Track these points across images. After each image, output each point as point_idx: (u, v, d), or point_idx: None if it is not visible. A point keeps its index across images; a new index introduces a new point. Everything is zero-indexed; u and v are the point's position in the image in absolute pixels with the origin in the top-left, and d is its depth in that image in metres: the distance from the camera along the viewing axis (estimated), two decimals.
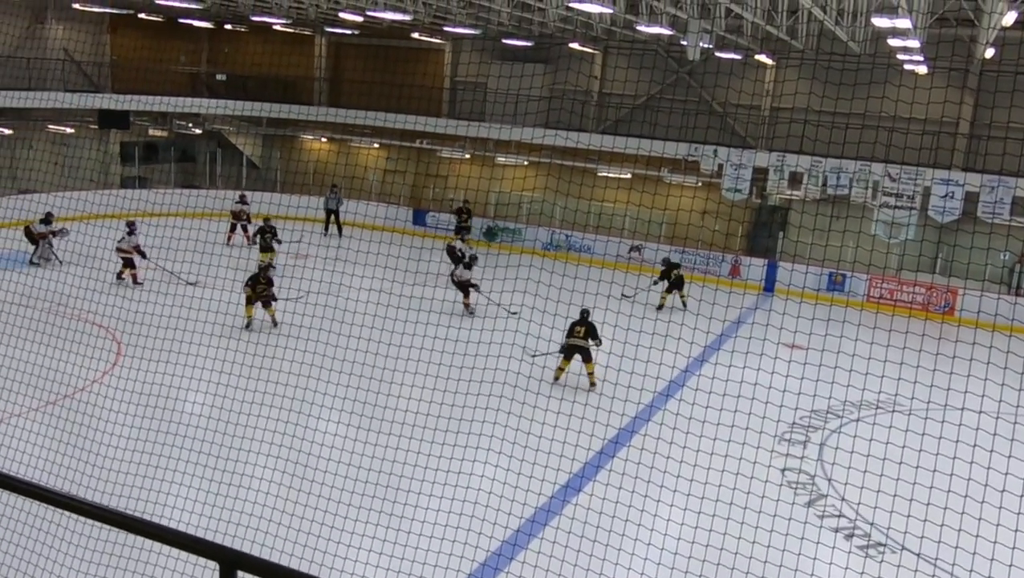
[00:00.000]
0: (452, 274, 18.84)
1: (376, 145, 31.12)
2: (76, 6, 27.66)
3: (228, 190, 29.64)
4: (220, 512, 8.93)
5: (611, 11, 18.98)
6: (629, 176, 26.42)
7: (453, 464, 9.70)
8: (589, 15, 22.02)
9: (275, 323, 16.76)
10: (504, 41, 26.95)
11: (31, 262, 21.09)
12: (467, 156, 29.50)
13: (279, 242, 21.59)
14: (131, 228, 20.19)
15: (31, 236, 21.32)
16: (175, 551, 2.61)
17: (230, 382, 11.54)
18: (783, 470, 12.13)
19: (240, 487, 9.81)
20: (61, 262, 21.15)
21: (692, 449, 9.06)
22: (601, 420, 10.03)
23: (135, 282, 19.72)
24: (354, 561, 7.95)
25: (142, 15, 29.34)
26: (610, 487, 9.68)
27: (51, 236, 21.21)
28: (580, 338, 14.42)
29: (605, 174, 26.61)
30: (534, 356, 14.36)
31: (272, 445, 10.32)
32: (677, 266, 21.32)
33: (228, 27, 31.83)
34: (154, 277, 19.74)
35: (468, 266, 18.62)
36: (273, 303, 16.71)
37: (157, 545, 2.64)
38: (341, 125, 30.67)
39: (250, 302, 16.62)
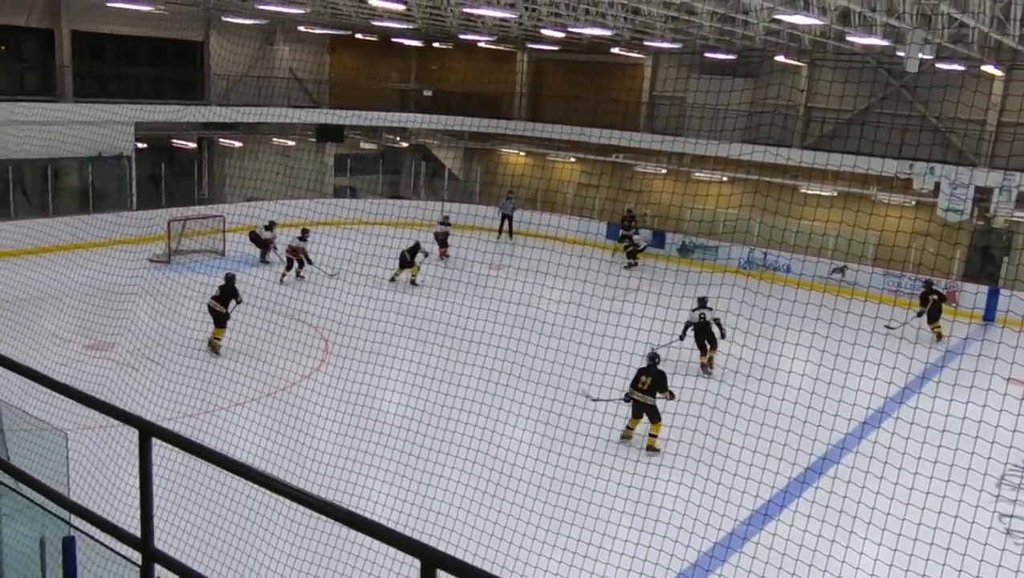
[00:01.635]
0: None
1: (572, 159, 31.41)
2: (301, 28, 29.83)
3: (431, 201, 30.89)
4: (411, 509, 9.26)
5: (821, 23, 18.20)
6: (835, 194, 25.19)
7: (646, 482, 9.55)
8: (797, 27, 21.22)
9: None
10: (706, 55, 26.48)
11: (263, 261, 22.87)
12: (663, 171, 29.19)
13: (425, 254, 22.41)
14: (303, 235, 21.65)
15: (257, 240, 23.11)
16: (370, 543, 2.67)
17: (426, 385, 11.99)
18: (1008, 517, 11.09)
19: (434, 487, 10.14)
20: (268, 263, 22.80)
21: (898, 484, 8.46)
22: (800, 446, 9.57)
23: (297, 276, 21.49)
24: (544, 570, 8.00)
25: (359, 35, 31.20)
26: (800, 516, 9.21)
27: (273, 240, 22.84)
28: (646, 391, 12.27)
29: (808, 191, 25.50)
30: (595, 400, 12.51)
31: (466, 449, 10.58)
32: (936, 293, 19.88)
33: (436, 45, 33.23)
34: (358, 281, 20.81)
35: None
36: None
37: (353, 535, 2.72)
38: (539, 139, 31.21)
39: None
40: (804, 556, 8.13)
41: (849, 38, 19.61)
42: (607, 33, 23.24)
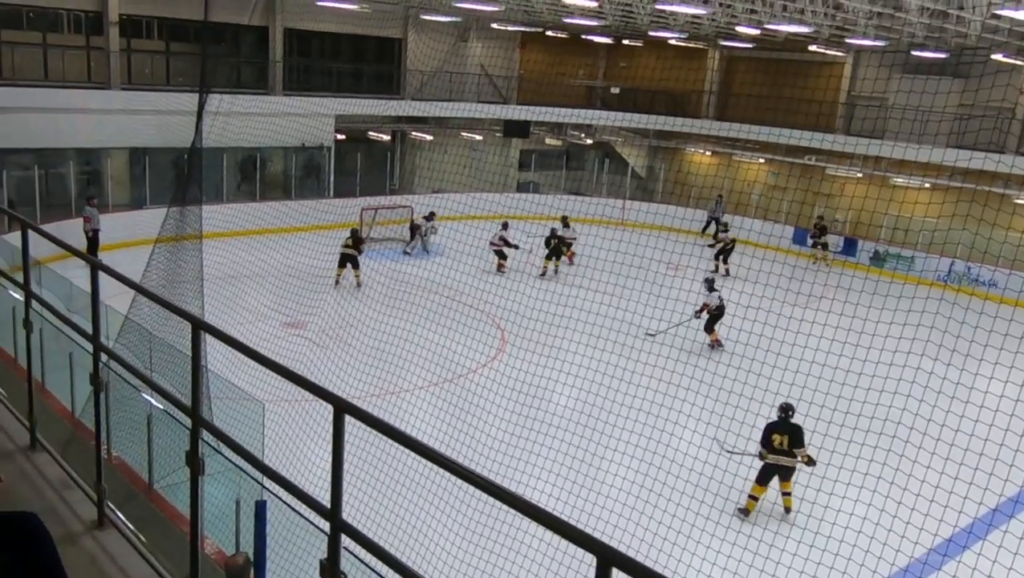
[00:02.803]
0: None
1: (761, 160, 30.40)
2: (494, 25, 30.50)
3: (611, 199, 30.82)
4: (581, 502, 9.27)
5: None
6: None
7: (832, 501, 9.13)
8: (1020, 23, 19.51)
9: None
10: (913, 53, 24.87)
11: (404, 252, 23.60)
12: (859, 175, 27.71)
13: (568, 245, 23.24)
14: (504, 226, 22.36)
15: (413, 230, 23.99)
16: (541, 534, 2.65)
17: (597, 380, 11.98)
18: None
19: (599, 482, 10.12)
20: (428, 252, 23.39)
21: None
22: (999, 473, 8.83)
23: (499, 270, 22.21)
24: (697, 570, 7.82)
25: (549, 32, 31.54)
26: (1001, 549, 8.50)
27: (423, 230, 23.57)
28: (782, 451, 10.47)
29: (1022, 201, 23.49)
30: (731, 452, 11.33)
31: (634, 446, 10.49)
32: None
33: (626, 42, 33.06)
34: (531, 272, 21.04)
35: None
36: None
37: (523, 524, 2.72)
38: (726, 139, 30.42)
39: None
40: None
41: None
42: (806, 30, 22.31)
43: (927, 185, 25.24)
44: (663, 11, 23.47)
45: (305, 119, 25.66)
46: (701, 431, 11.96)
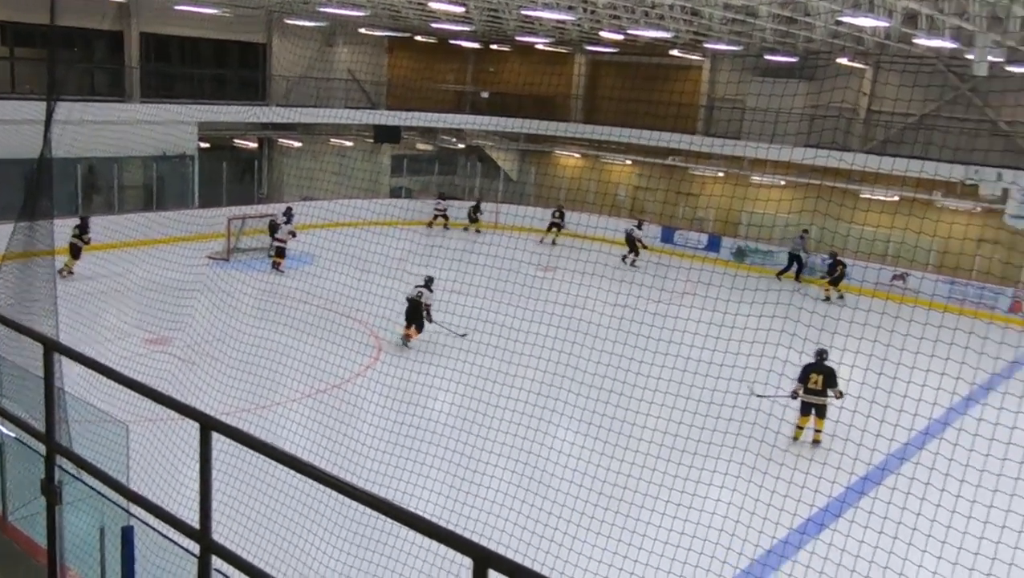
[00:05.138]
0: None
1: (628, 162, 31.26)
2: (361, 31, 30.19)
3: (484, 202, 31.02)
4: (461, 507, 9.30)
5: (887, 24, 17.83)
6: (896, 199, 24.67)
7: (699, 488, 9.47)
8: (861, 29, 20.82)
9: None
10: (766, 57, 26.13)
11: (271, 260, 22.99)
12: (720, 174, 28.89)
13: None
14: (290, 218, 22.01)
15: (272, 228, 23.31)
16: (417, 540, 2.68)
17: (476, 384, 12.04)
18: None
19: (480, 486, 10.17)
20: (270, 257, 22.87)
21: (966, 498, 8.25)
22: (861, 457, 9.40)
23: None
24: (587, 572, 7.98)
25: (418, 37, 31.48)
26: (856, 526, 9.04)
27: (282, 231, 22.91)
28: (817, 389, 12.39)
29: (869, 196, 25.01)
30: (761, 396, 12.81)
31: (513, 449, 10.60)
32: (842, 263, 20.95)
33: (493, 47, 33.35)
34: (409, 280, 20.97)
35: (430, 288, 16.59)
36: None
37: (403, 532, 2.74)
38: (594, 141, 31.13)
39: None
40: (860, 567, 7.97)
41: (915, 40, 19.18)
42: (666, 35, 23.08)
43: (782, 182, 26.54)
44: (529, 17, 23.82)
45: (165, 127, 24.71)
46: (576, 429, 12.20)
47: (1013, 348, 19.35)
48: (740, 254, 27.17)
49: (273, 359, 13.67)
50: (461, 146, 33.25)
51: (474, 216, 29.87)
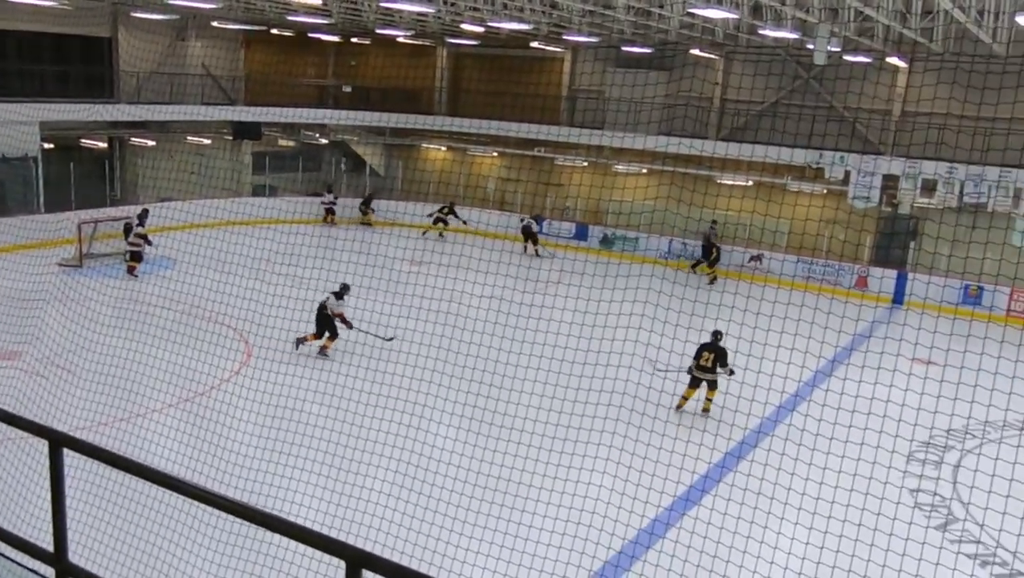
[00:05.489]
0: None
1: (494, 154, 31.46)
2: (215, 24, 29.14)
3: (351, 198, 30.59)
4: (340, 510, 9.17)
5: (734, 16, 18.61)
6: (750, 184, 25.82)
7: (569, 473, 9.66)
8: (711, 21, 21.65)
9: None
10: (624, 48, 26.80)
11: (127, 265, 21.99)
12: (584, 164, 29.48)
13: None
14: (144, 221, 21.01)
15: (127, 230, 22.29)
16: (299, 547, 2.67)
17: (351, 385, 11.88)
18: (914, 491, 11.56)
19: (359, 487, 10.06)
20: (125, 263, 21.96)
21: (815, 465, 8.74)
22: (721, 433, 9.80)
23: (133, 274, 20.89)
24: (472, 566, 8.02)
25: (274, 31, 30.64)
26: (728, 501, 9.45)
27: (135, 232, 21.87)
28: (707, 366, 13.40)
29: (725, 182, 26.08)
30: (664, 371, 13.37)
31: (390, 447, 10.53)
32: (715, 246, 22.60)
33: (354, 40, 32.85)
34: (277, 281, 20.51)
35: (340, 296, 15.85)
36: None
37: (282, 540, 2.71)
38: (460, 134, 31.17)
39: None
40: (726, 539, 8.33)
41: (761, 31, 20.09)
42: (525, 27, 23.33)
43: (644, 171, 27.33)
44: (389, 9, 23.59)
45: (4, 127, 23.15)
46: (456, 424, 12.23)
47: (863, 322, 20.64)
48: (607, 242, 27.82)
49: (133, 369, 13.09)
50: (325, 141, 32.64)
51: (365, 211, 29.45)
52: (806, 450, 8.84)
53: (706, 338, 13.64)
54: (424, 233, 27.58)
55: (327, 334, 15.64)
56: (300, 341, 15.64)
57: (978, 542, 10.36)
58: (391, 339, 15.55)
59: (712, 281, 24.40)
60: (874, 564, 7.89)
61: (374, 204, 29.76)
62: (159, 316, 16.09)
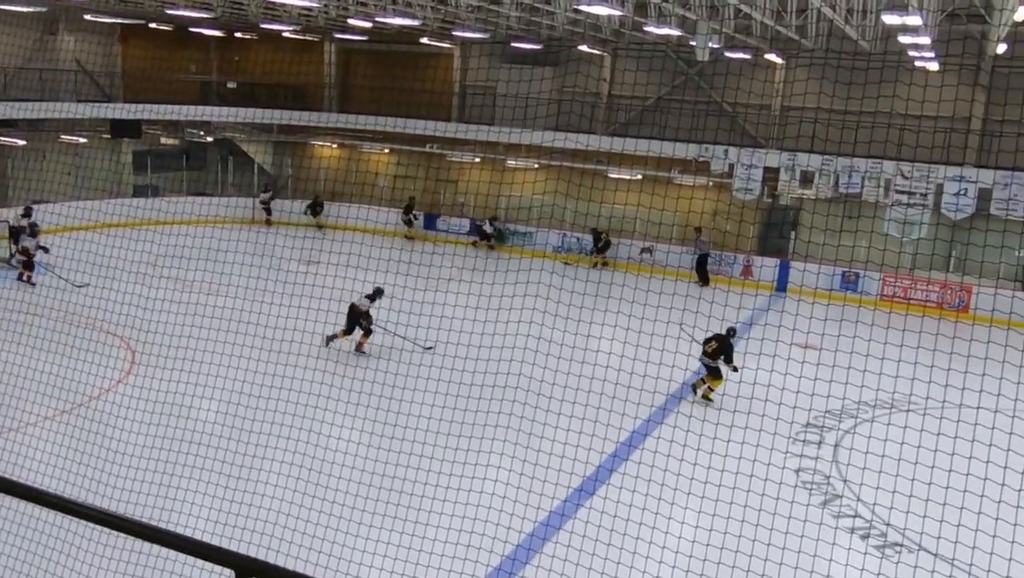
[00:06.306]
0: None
1: (386, 150, 31.17)
2: (87, 17, 27.85)
3: (240, 197, 29.81)
4: (235, 518, 8.96)
5: (619, 13, 18.95)
6: (640, 178, 26.39)
7: (466, 469, 9.69)
8: (597, 17, 22.00)
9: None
10: (512, 44, 26.96)
11: (10, 266, 20.99)
12: (477, 160, 29.54)
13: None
14: (31, 219, 20.11)
15: (14, 233, 21.26)
16: (192, 558, 2.61)
17: (242, 389, 11.60)
18: (797, 470, 12.07)
19: (253, 493, 9.84)
20: (12, 266, 20.99)
21: (705, 451, 9.02)
22: (614, 423, 10.00)
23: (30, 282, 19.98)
24: (368, 566, 7.96)
25: (152, 25, 29.51)
26: (623, 490, 9.65)
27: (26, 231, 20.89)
28: (709, 353, 14.28)
29: (615, 176, 26.58)
30: (691, 335, 13.96)
31: (284, 452, 10.34)
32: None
33: (238, 35, 31.96)
34: (162, 285, 19.83)
35: (372, 299, 15.83)
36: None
37: (173, 553, 2.65)
38: (351, 131, 30.75)
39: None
40: (619, 527, 8.50)
41: (646, 28, 20.53)
42: (414, 23, 23.18)
43: (535, 166, 27.58)
44: (273, 3, 23.06)
45: None
46: (351, 425, 12.09)
47: (749, 310, 21.39)
48: (500, 237, 27.96)
49: (5, 381, 12.42)
50: (210, 139, 31.64)
51: (316, 212, 28.83)
52: (695, 437, 9.11)
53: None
54: (320, 227, 27.47)
55: (361, 333, 15.67)
56: (331, 338, 15.50)
57: (856, 516, 10.90)
58: (431, 348, 14.97)
59: (598, 265, 25.38)
60: (760, 543, 8.20)
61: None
62: (33, 324, 15.31)
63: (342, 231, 26.61)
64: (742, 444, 8.73)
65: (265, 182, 30.36)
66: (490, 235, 27.69)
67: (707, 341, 14.38)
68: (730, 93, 26.55)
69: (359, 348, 15.78)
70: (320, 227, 28.40)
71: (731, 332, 14.36)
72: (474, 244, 27.66)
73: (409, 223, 28.48)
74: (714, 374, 14.35)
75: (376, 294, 15.85)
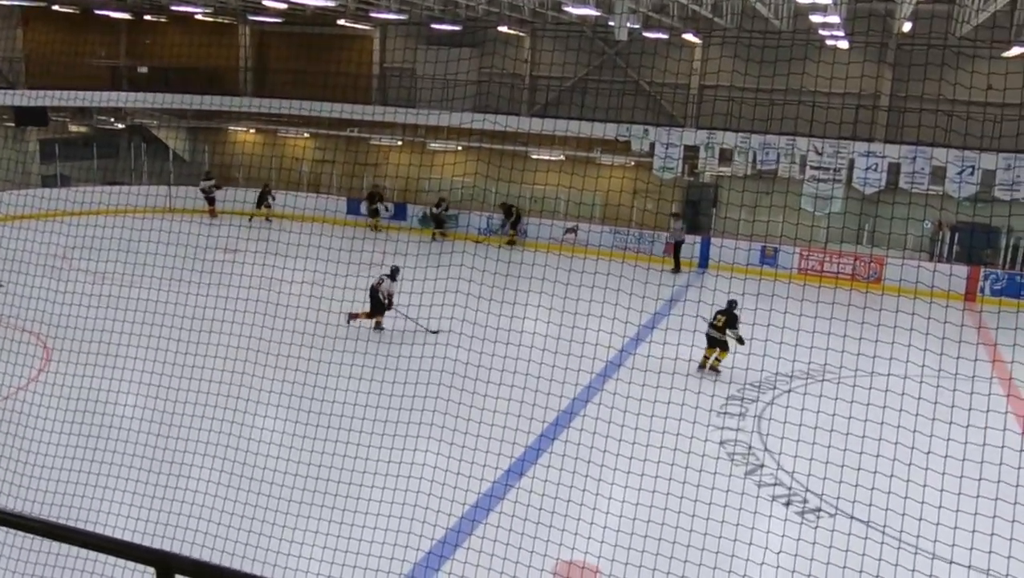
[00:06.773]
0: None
1: (306, 135, 30.66)
2: None
3: (154, 185, 28.98)
4: (159, 515, 8.79)
5: None
6: (562, 158, 26.53)
7: (394, 454, 9.67)
8: None
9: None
10: (432, 26, 26.74)
11: None
12: (399, 143, 29.27)
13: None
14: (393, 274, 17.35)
15: None
16: (114, 558, 2.56)
17: (162, 383, 11.34)
18: (721, 443, 12.37)
19: (178, 489, 9.67)
20: None
21: (632, 428, 9.17)
22: (540, 403, 10.09)
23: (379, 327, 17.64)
24: (298, 557, 7.90)
25: (56, 7, 28.35)
26: (552, 469, 9.76)
27: None
28: (718, 326, 14.93)
29: (538, 157, 26.68)
30: (435, 332, 13.90)
31: (209, 445, 10.14)
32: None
33: (148, 18, 30.94)
34: (77, 278, 19.21)
35: (393, 278, 16.51)
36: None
37: (93, 553, 2.60)
38: (269, 115, 30.13)
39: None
40: (548, 505, 8.61)
41: (565, 8, 20.59)
42: (331, 4, 22.80)
43: (458, 148, 27.48)
44: None
45: None
46: (276, 415, 11.94)
47: (669, 287, 21.77)
48: (425, 220, 27.83)
49: None
50: (121, 126, 30.64)
51: (267, 202, 27.53)
52: (622, 414, 9.25)
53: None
54: (251, 219, 26.66)
55: (377, 311, 16.34)
56: (352, 316, 15.85)
57: (778, 484, 11.25)
58: (437, 332, 15.32)
59: (514, 242, 25.83)
60: (686, 515, 8.40)
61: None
62: None
63: (272, 218, 26.20)
64: (665, 419, 8.91)
65: (207, 170, 29.36)
66: (440, 220, 27.17)
67: (715, 316, 15.08)
68: (649, 73, 26.84)
69: (377, 325, 16.33)
70: (268, 218, 27.47)
71: (732, 304, 14.85)
72: (433, 236, 27.13)
73: (375, 213, 27.70)
74: (722, 346, 15.07)
75: (395, 272, 16.41)
